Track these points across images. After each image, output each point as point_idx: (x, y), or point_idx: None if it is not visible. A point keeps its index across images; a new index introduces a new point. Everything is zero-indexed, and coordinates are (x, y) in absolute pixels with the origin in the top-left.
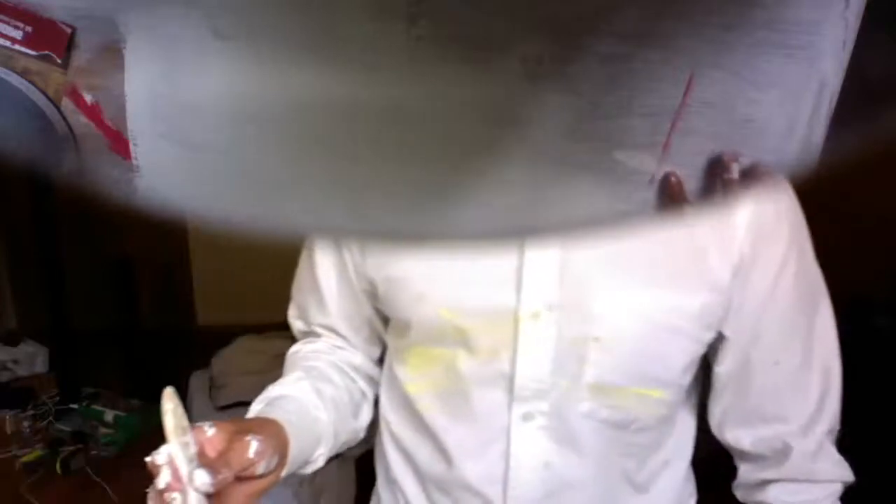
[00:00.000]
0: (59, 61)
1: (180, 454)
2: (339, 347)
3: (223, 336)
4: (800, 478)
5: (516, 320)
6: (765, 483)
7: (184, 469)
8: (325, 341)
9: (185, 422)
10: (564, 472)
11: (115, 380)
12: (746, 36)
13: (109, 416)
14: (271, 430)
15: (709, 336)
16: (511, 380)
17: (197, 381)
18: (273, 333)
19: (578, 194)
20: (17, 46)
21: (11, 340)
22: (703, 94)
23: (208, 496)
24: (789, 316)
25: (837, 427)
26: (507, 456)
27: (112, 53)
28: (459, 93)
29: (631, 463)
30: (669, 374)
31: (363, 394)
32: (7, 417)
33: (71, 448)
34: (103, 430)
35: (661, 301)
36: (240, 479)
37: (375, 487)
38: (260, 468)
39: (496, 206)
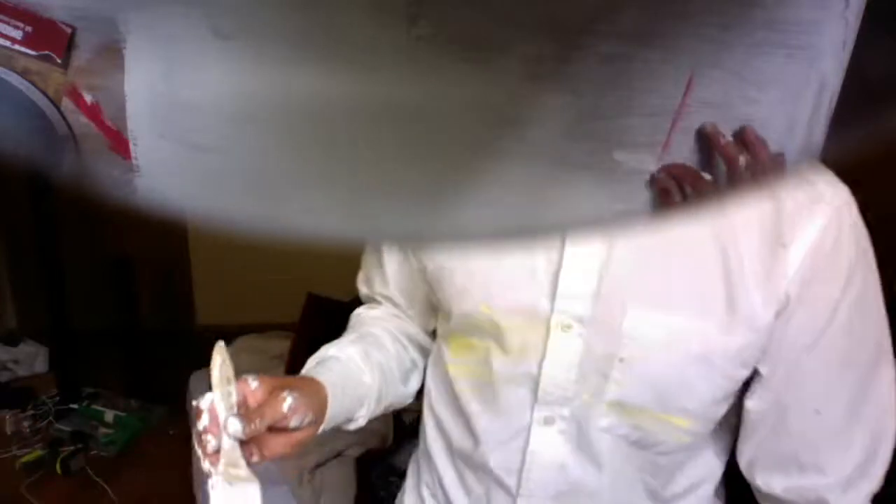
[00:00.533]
0: (59, 61)
1: (221, 402)
2: (397, 316)
3: (223, 336)
4: None
5: (547, 327)
6: None
7: (222, 415)
8: (385, 309)
9: (230, 373)
10: (578, 478)
11: (115, 380)
12: (746, 36)
13: (109, 416)
14: (311, 389)
15: (744, 373)
16: (536, 382)
17: (197, 381)
18: (273, 333)
19: (578, 194)
20: (17, 46)
21: (11, 340)
22: (703, 94)
23: (242, 442)
24: (837, 365)
25: (879, 488)
26: (524, 452)
27: (112, 53)
28: (459, 93)
29: (654, 480)
30: (696, 406)
31: (414, 362)
32: (7, 417)
33: (71, 448)
34: (103, 430)
35: (696, 334)
36: (275, 430)
37: (415, 452)
38: (293, 422)
39: (496, 206)
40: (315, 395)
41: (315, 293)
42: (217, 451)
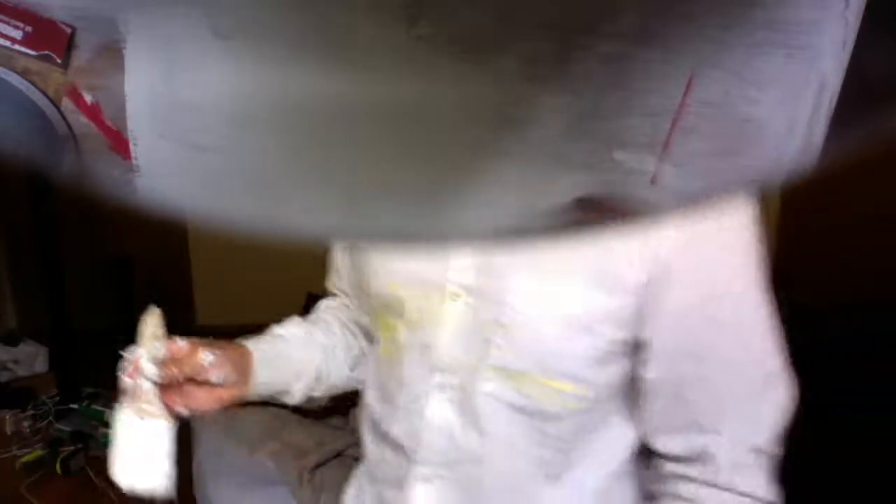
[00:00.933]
0: (59, 61)
1: (145, 354)
2: (348, 307)
3: (223, 336)
4: (720, 485)
5: (440, 297)
6: (682, 478)
7: (145, 365)
8: (340, 300)
9: (159, 333)
10: (465, 446)
11: (115, 380)
12: (746, 36)
13: (109, 416)
14: (234, 353)
15: (621, 335)
16: (431, 350)
17: None
18: None
19: (578, 194)
20: (17, 46)
21: (11, 340)
22: (703, 94)
23: (171, 396)
24: (723, 335)
25: (778, 451)
26: (421, 419)
27: (112, 53)
28: (459, 93)
29: (546, 452)
30: (576, 369)
31: (363, 350)
32: (7, 417)
33: (71, 448)
34: (103, 430)
35: (572, 297)
36: (199, 383)
37: None
38: (212, 376)
39: (496, 206)
40: (240, 359)
41: (315, 293)
42: (135, 394)
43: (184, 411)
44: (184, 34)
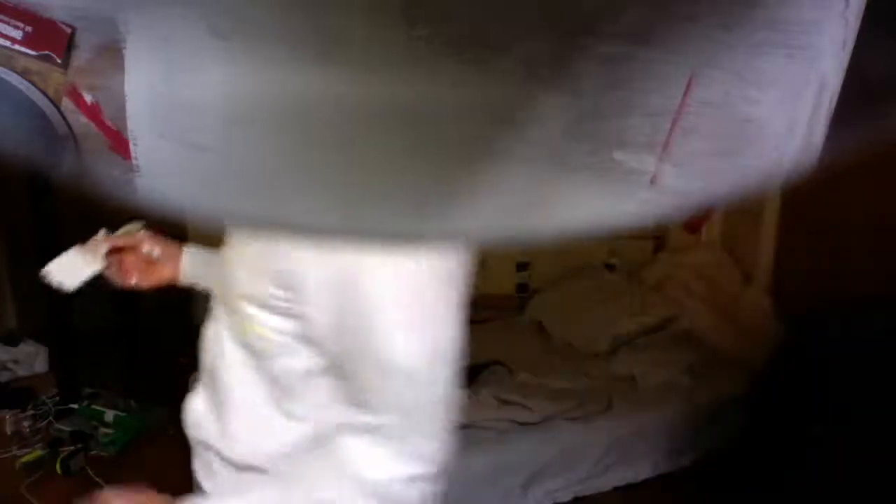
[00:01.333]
0: (59, 61)
1: (105, 235)
2: None
3: None
4: (347, 447)
5: (227, 242)
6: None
7: (101, 239)
8: None
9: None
10: (216, 367)
11: (115, 380)
12: (746, 36)
13: (109, 416)
14: (170, 243)
15: (278, 293)
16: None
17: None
18: None
19: (578, 194)
20: (17, 46)
21: (11, 340)
22: (703, 94)
23: (124, 270)
24: (363, 330)
25: (426, 443)
26: (203, 339)
27: (112, 53)
28: (459, 93)
29: (275, 390)
30: (257, 314)
31: None
32: (7, 417)
33: (71, 448)
34: (103, 430)
35: (253, 251)
36: (141, 261)
37: None
38: (144, 247)
39: (496, 206)
40: (174, 248)
41: None
42: (88, 249)
43: (132, 280)
44: (183, 34)
